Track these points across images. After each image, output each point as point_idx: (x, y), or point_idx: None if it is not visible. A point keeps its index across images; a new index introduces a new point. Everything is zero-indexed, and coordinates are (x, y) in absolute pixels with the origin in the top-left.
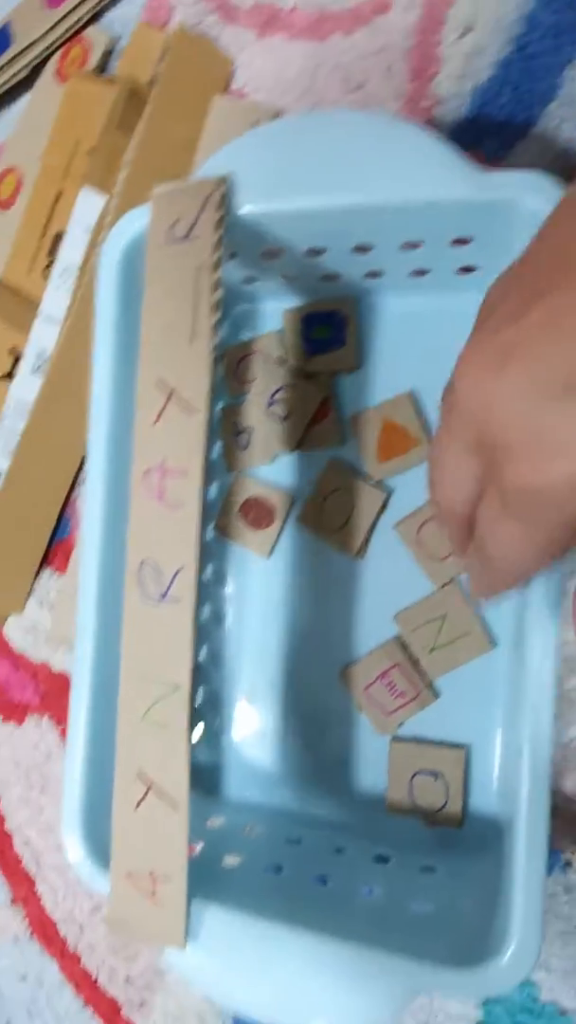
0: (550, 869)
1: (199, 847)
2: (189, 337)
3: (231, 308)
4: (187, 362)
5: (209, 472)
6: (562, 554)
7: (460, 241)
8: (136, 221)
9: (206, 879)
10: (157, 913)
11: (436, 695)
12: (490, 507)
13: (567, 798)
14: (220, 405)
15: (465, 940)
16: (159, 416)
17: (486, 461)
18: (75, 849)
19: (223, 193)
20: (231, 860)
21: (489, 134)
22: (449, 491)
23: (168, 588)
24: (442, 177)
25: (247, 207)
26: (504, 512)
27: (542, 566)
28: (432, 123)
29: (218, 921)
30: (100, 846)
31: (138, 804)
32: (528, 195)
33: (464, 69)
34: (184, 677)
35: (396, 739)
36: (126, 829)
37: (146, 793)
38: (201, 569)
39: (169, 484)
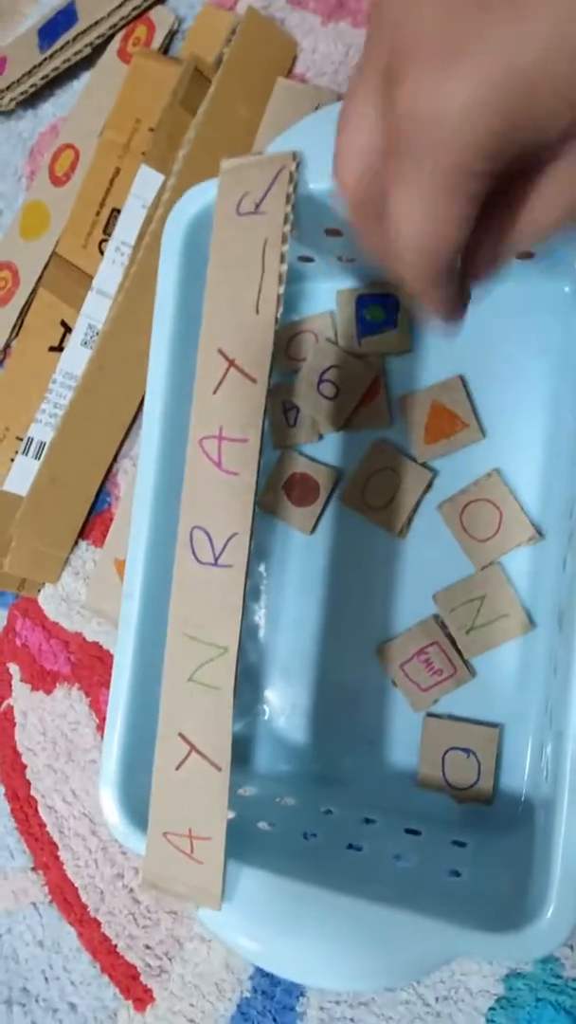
0: None
1: (231, 814)
2: (253, 308)
3: (287, 286)
4: (250, 333)
5: (263, 443)
6: (466, 226)
7: None
8: (201, 196)
9: (240, 842)
10: (194, 871)
11: (473, 673)
12: (387, 173)
13: None
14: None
15: (497, 907)
16: (219, 385)
17: (388, 101)
18: (111, 808)
19: (294, 168)
20: (263, 826)
21: None
22: (349, 147)
23: (221, 553)
24: None
25: (314, 184)
26: (398, 167)
27: (444, 236)
28: None
29: (251, 880)
30: (136, 806)
31: (180, 764)
32: None
33: None
34: (233, 640)
35: (430, 715)
36: (166, 788)
37: (189, 753)
38: (252, 537)
39: (227, 451)
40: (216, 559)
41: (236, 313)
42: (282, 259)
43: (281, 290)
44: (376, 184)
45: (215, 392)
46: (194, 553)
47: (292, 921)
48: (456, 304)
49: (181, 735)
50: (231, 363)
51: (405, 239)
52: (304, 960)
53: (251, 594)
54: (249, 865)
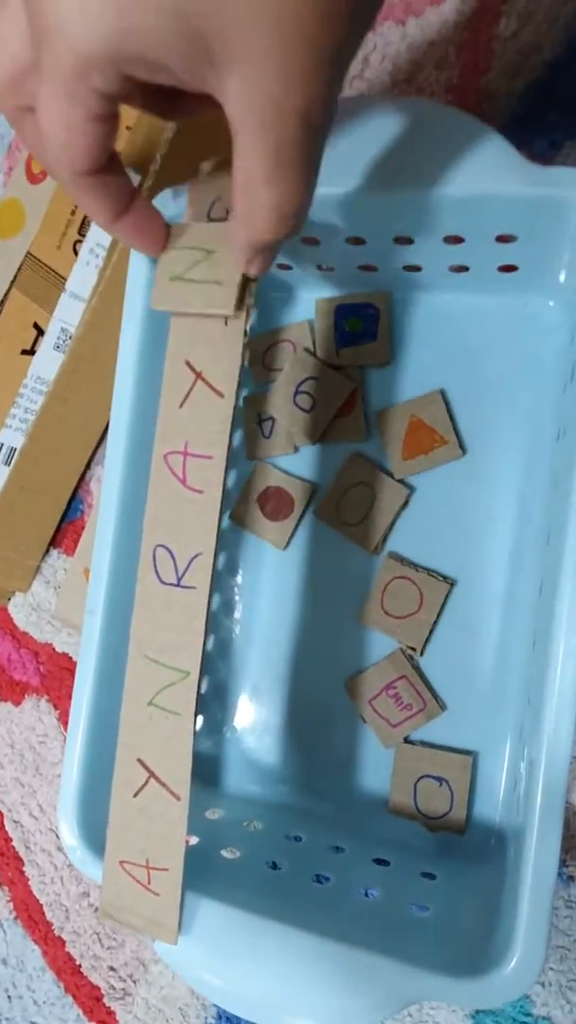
0: None
1: (194, 840)
2: (222, 320)
3: (263, 295)
4: (218, 345)
5: (230, 459)
6: (95, 136)
7: (504, 239)
8: (173, 201)
9: (202, 871)
10: (150, 903)
11: (443, 707)
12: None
13: None
14: (244, 393)
15: (465, 949)
16: (185, 398)
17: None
18: (69, 833)
19: None
20: (229, 853)
21: (539, 133)
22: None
23: (184, 573)
24: (496, 170)
25: None
26: (38, 71)
27: (75, 141)
28: (481, 119)
29: (211, 913)
30: (95, 832)
31: (138, 792)
32: None
33: (516, 67)
34: (195, 664)
35: (403, 741)
36: (124, 816)
37: (147, 780)
38: (216, 557)
39: (192, 468)
40: (179, 579)
41: (204, 324)
42: None
43: (251, 302)
44: (29, 88)
45: (181, 406)
46: (157, 572)
47: (252, 958)
48: (117, 213)
49: (140, 761)
50: (198, 376)
51: (45, 137)
52: (263, 1000)
53: (223, 609)
54: (211, 897)
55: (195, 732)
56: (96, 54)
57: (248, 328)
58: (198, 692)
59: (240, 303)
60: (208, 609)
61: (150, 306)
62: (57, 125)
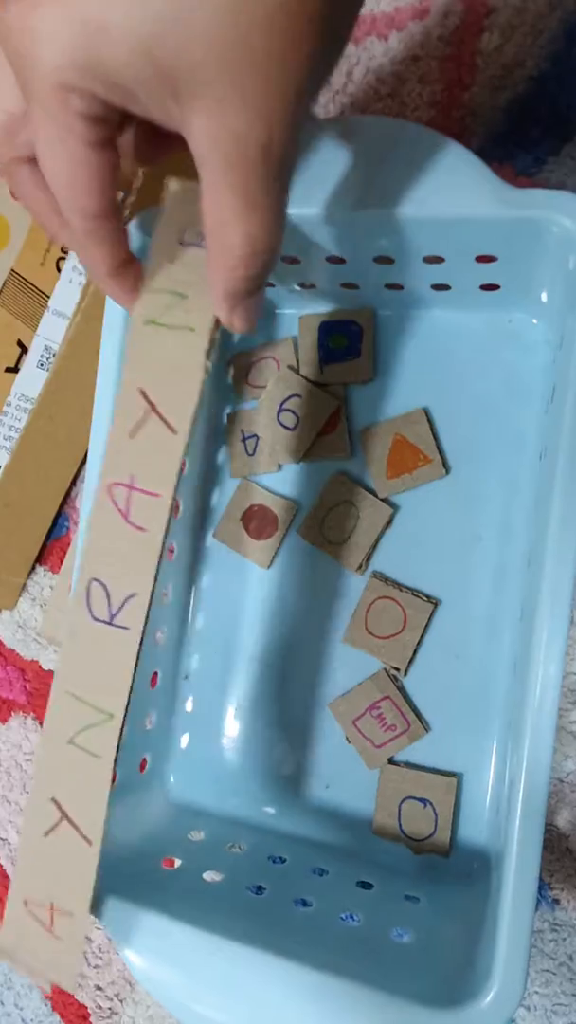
0: (537, 905)
1: (178, 863)
2: (184, 349)
3: None
4: (177, 377)
5: (175, 498)
6: (94, 168)
7: (484, 259)
8: (151, 221)
9: (184, 896)
10: (51, 947)
11: (427, 728)
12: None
13: (560, 834)
14: (228, 410)
15: (444, 977)
16: (136, 429)
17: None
18: None
19: None
20: (211, 877)
21: (521, 149)
22: None
23: (117, 612)
24: (471, 192)
25: None
26: (29, 109)
27: (77, 176)
28: (464, 134)
29: (190, 940)
30: None
31: (49, 831)
32: (556, 215)
33: (500, 81)
34: (119, 707)
35: (388, 762)
36: (32, 854)
37: (60, 821)
38: (152, 600)
39: (136, 503)
40: (112, 618)
41: (164, 352)
42: None
43: (216, 335)
44: (23, 139)
45: (132, 436)
46: (89, 608)
47: (230, 985)
48: (115, 266)
49: (54, 800)
50: (152, 407)
51: (50, 180)
52: None
53: (206, 628)
54: (192, 924)
55: (113, 778)
56: (70, 78)
57: (210, 364)
58: (121, 736)
59: (209, 352)
60: (139, 653)
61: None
62: (57, 160)
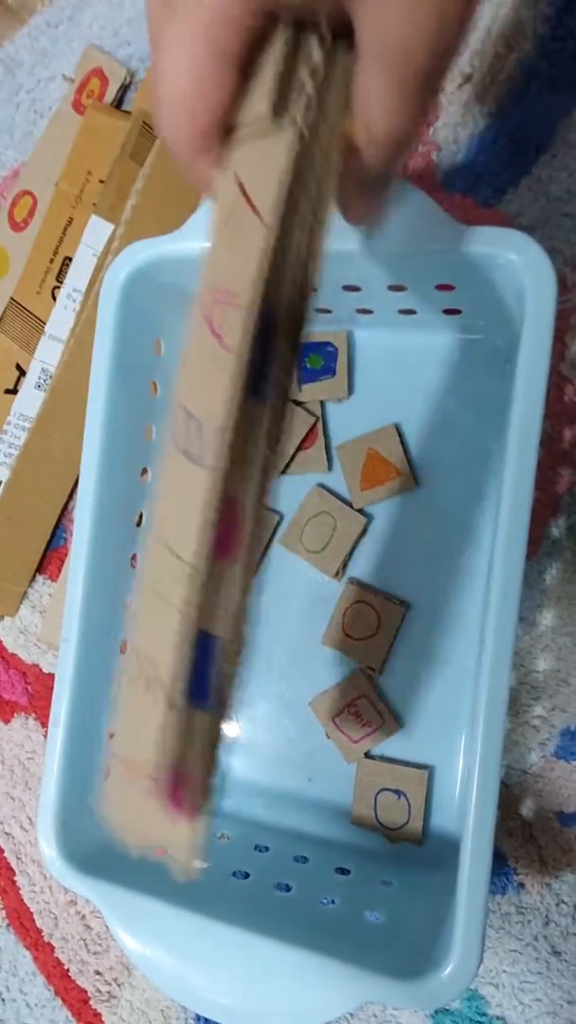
0: (504, 889)
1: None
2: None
3: None
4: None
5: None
6: (223, 79)
7: (443, 287)
8: (139, 252)
9: (173, 881)
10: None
11: (401, 724)
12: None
13: (525, 822)
14: None
15: (411, 953)
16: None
17: None
18: (48, 847)
19: None
20: (200, 864)
21: (482, 181)
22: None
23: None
24: (424, 230)
25: None
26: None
27: (201, 84)
28: (429, 168)
29: (180, 921)
30: (72, 846)
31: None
32: (502, 251)
33: (462, 117)
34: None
35: (364, 756)
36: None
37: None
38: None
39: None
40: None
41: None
42: None
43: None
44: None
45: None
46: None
47: (219, 964)
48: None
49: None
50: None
51: (163, 87)
52: (228, 1004)
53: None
54: (180, 906)
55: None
56: None
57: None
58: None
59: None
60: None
61: (117, 346)
62: (181, 72)
